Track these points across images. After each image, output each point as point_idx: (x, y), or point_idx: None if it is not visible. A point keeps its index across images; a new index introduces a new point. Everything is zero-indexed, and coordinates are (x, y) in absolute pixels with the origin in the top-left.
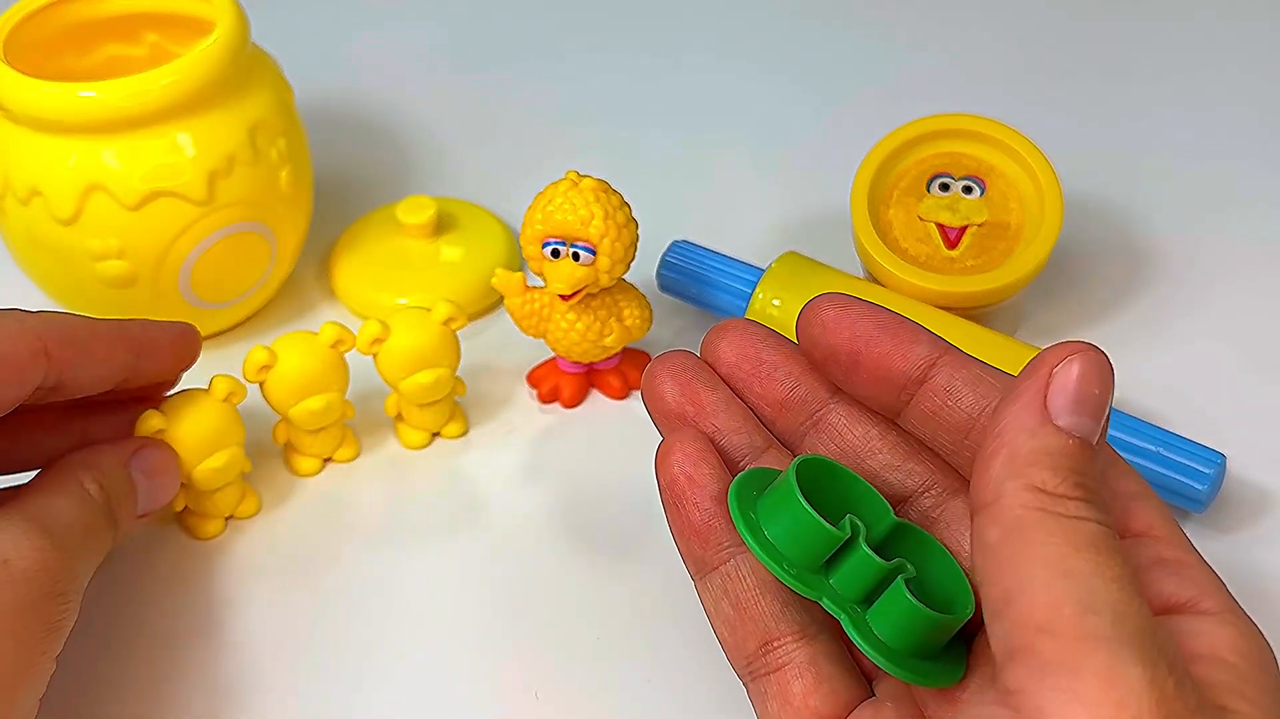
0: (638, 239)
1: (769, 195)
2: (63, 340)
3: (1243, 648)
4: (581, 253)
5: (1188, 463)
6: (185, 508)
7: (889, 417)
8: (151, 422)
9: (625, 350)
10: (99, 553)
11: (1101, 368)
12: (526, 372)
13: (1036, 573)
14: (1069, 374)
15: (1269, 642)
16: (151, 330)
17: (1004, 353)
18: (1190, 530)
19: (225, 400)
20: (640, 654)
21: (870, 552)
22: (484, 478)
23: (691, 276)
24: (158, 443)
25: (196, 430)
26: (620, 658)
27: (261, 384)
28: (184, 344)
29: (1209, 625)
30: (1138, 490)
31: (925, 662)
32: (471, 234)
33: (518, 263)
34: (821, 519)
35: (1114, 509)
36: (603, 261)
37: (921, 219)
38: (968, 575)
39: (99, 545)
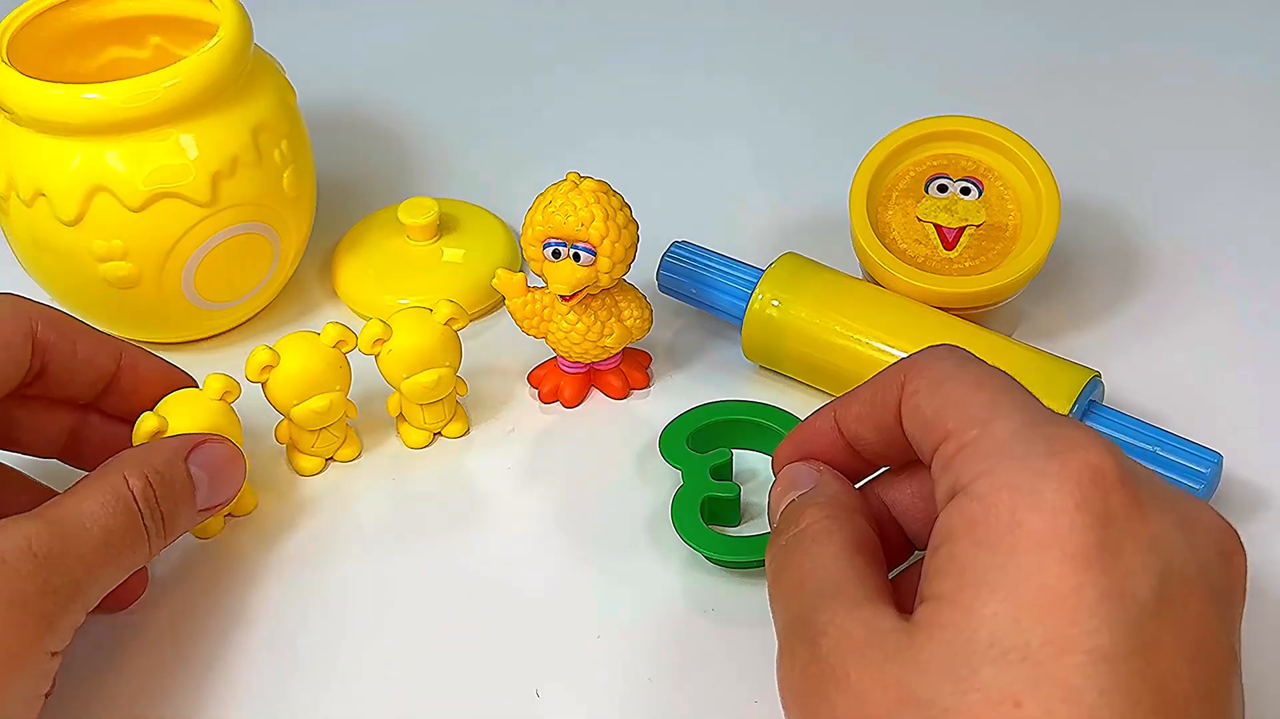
0: (638, 240)
1: (769, 195)
2: (50, 325)
3: (992, 501)
4: (582, 254)
5: (1184, 462)
6: None
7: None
8: (148, 423)
9: (625, 350)
10: (128, 550)
11: None
12: (527, 372)
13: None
14: None
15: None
16: (141, 356)
17: (1002, 353)
18: None
19: (220, 399)
20: (640, 654)
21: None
22: (485, 477)
23: (691, 277)
24: (219, 439)
25: (192, 429)
26: (620, 658)
27: (264, 384)
28: (170, 383)
29: (963, 499)
30: (945, 400)
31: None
32: (473, 235)
33: (519, 263)
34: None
35: (924, 430)
36: (603, 262)
37: (919, 220)
38: None
39: (128, 543)
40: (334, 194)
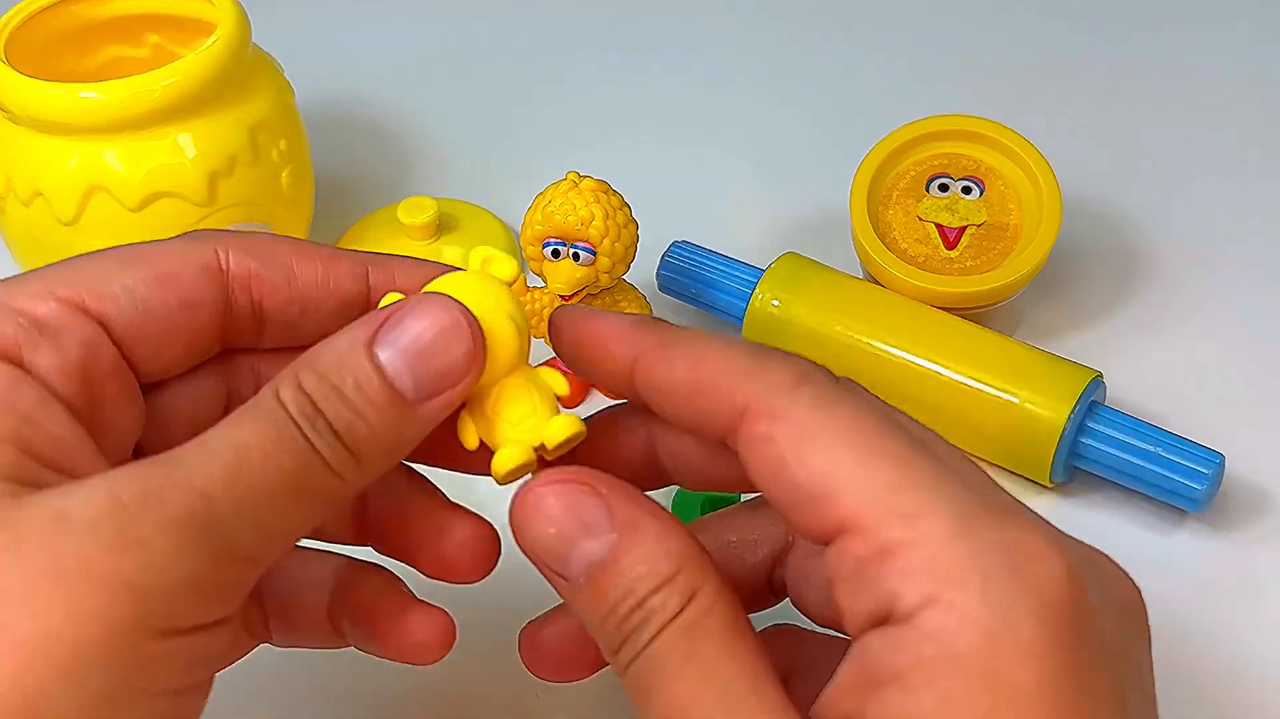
0: (637, 239)
1: (769, 195)
2: (247, 252)
3: (954, 642)
4: (581, 253)
5: (1185, 463)
6: None
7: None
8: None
9: None
10: (289, 480)
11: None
12: None
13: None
14: None
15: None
16: (399, 266)
17: (1002, 353)
18: (1188, 531)
19: (483, 270)
20: None
21: None
22: (484, 477)
23: (691, 276)
24: (418, 301)
25: None
26: None
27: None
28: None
29: (908, 633)
30: (828, 466)
31: None
32: (472, 235)
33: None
34: None
35: (800, 505)
36: (603, 262)
37: (920, 219)
38: None
39: (283, 470)
40: (332, 193)
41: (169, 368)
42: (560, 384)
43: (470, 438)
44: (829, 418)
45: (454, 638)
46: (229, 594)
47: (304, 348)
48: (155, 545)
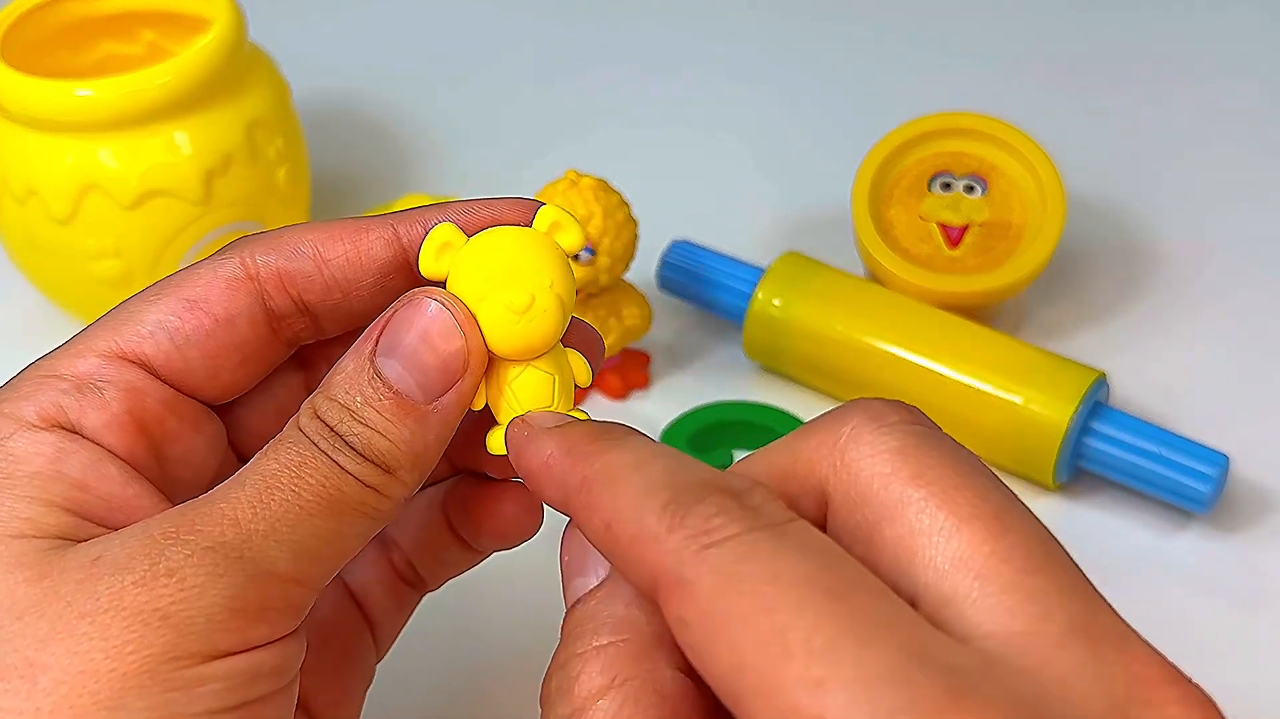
0: (637, 238)
1: (769, 195)
2: (270, 250)
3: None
4: (581, 252)
5: (1190, 463)
6: None
7: None
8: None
9: (625, 350)
10: (317, 498)
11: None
12: None
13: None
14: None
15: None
16: (435, 215)
17: (1005, 353)
18: (1193, 532)
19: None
20: None
21: None
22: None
23: (691, 276)
24: (403, 305)
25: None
26: None
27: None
28: (518, 213)
29: None
30: (735, 661)
31: None
32: None
33: None
34: None
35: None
36: (602, 260)
37: (923, 218)
38: None
39: (309, 488)
40: (330, 192)
41: (238, 384)
42: (584, 375)
43: (478, 402)
44: (736, 595)
45: (541, 516)
46: (276, 615)
47: (365, 326)
48: (186, 574)
